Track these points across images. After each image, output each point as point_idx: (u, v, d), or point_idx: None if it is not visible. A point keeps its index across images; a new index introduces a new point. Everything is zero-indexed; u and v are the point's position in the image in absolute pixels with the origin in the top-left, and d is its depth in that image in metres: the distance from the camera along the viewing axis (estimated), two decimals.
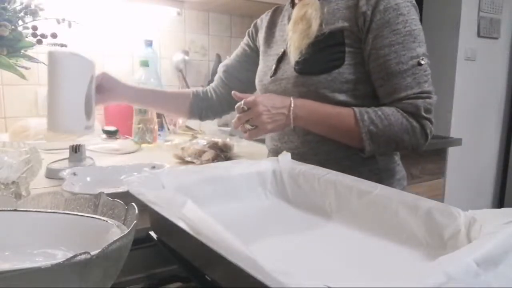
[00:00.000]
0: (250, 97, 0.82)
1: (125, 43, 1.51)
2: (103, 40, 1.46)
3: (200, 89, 1.16)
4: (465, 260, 0.33)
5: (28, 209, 0.48)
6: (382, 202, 0.57)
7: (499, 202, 2.72)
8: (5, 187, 0.62)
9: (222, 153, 1.05)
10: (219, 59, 1.66)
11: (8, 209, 0.47)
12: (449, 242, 0.49)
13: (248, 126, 0.83)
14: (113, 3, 1.46)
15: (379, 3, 0.80)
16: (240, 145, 1.18)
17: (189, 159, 1.02)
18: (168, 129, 1.45)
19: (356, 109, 0.81)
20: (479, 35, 2.43)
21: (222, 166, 0.75)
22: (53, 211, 0.48)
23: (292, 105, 0.82)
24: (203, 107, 1.12)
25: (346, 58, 0.83)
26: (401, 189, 0.79)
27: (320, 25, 0.84)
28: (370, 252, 0.53)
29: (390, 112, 0.79)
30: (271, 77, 0.95)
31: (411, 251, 0.51)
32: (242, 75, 1.12)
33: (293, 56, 0.87)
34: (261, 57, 1.05)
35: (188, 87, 1.58)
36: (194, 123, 1.53)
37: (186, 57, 1.61)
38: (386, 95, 0.82)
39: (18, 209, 0.48)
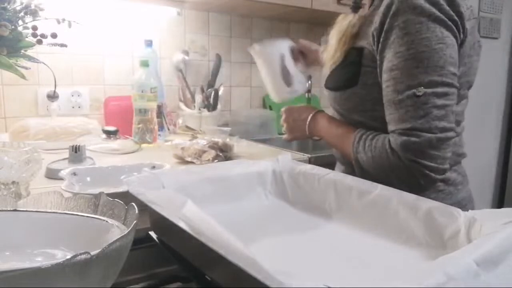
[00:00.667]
0: (289, 106, 0.96)
1: (125, 43, 1.51)
2: (103, 40, 1.46)
3: None
4: (465, 260, 0.33)
5: (28, 209, 0.48)
6: (382, 202, 0.57)
7: (499, 202, 2.72)
8: (5, 187, 0.62)
9: (222, 153, 1.05)
10: (219, 59, 1.66)
11: (8, 209, 0.47)
12: (449, 242, 0.49)
13: (283, 131, 0.98)
14: (113, 3, 1.46)
15: (386, 21, 0.69)
16: (240, 145, 1.18)
17: (189, 159, 1.02)
18: (168, 129, 1.45)
19: (357, 133, 0.77)
20: (479, 35, 2.43)
21: (222, 166, 0.75)
22: (53, 211, 0.48)
23: (310, 117, 0.88)
24: None
25: (362, 77, 0.76)
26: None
27: (343, 44, 0.80)
28: (370, 252, 0.53)
29: (380, 144, 0.71)
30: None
31: (411, 251, 0.51)
32: None
33: (326, 68, 0.86)
34: None
35: (188, 87, 1.58)
36: (194, 123, 1.53)
37: (186, 57, 1.61)
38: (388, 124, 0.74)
39: (18, 209, 0.48)
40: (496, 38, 2.53)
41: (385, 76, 0.71)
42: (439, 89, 0.66)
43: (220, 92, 1.62)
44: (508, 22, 2.59)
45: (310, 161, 1.18)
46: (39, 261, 0.44)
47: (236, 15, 1.75)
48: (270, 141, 1.57)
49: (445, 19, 0.67)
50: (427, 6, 0.66)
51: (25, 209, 0.48)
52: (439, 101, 0.66)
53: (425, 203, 0.53)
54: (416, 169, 0.67)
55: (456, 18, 0.68)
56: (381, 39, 0.70)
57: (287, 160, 0.76)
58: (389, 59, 0.69)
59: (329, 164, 0.93)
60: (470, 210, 0.49)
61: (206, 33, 1.70)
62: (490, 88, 2.55)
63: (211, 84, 1.64)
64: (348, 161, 0.85)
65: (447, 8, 0.67)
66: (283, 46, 1.10)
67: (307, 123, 0.89)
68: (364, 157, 0.74)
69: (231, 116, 1.75)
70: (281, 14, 1.71)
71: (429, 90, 0.66)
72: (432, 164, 0.67)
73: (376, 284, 0.32)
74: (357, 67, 0.77)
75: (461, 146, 0.83)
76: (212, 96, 1.58)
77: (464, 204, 0.81)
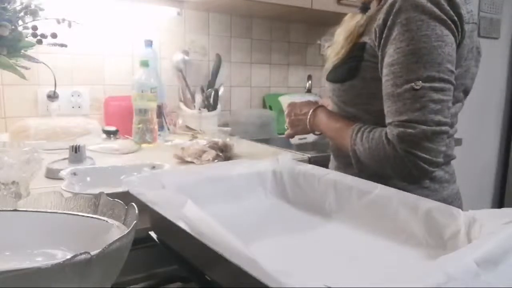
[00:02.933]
0: (293, 102, 0.97)
1: (125, 43, 1.51)
2: (103, 40, 1.46)
3: None
4: (465, 260, 0.34)
5: (28, 209, 0.48)
6: (382, 202, 0.57)
7: (499, 202, 2.72)
8: (5, 187, 0.62)
9: (222, 153, 1.05)
10: (219, 59, 1.66)
11: (8, 209, 0.47)
12: (449, 242, 0.49)
13: (285, 126, 0.99)
14: (113, 3, 1.46)
15: (389, 18, 0.72)
16: (240, 145, 1.18)
17: (189, 159, 1.02)
18: (168, 129, 1.45)
19: (355, 126, 0.79)
20: (479, 35, 2.42)
21: (222, 166, 0.75)
22: (53, 211, 0.48)
23: (311, 112, 0.91)
24: None
25: (361, 71, 0.79)
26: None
27: (347, 46, 0.83)
28: (370, 252, 0.53)
29: (377, 135, 0.74)
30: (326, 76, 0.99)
31: (411, 251, 0.51)
32: None
33: (329, 61, 0.89)
34: None
35: (188, 87, 1.58)
36: (194, 123, 1.53)
37: (186, 57, 1.61)
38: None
39: (18, 209, 0.48)
40: (496, 38, 2.53)
41: (385, 71, 0.73)
42: (436, 84, 0.69)
43: (220, 92, 1.62)
44: (508, 22, 2.59)
45: (310, 161, 1.18)
46: (39, 261, 0.44)
47: (236, 15, 1.75)
48: (270, 141, 1.57)
49: (445, 18, 0.69)
50: (429, 5, 0.69)
51: (25, 209, 0.48)
52: (436, 96, 0.69)
53: (425, 203, 0.53)
54: (410, 160, 0.69)
55: (455, 18, 0.70)
56: (384, 35, 0.73)
57: (287, 160, 0.76)
58: (390, 54, 0.72)
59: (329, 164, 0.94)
60: (470, 210, 0.49)
61: (206, 33, 1.70)
62: (490, 88, 2.55)
63: (211, 84, 1.63)
64: (340, 156, 0.89)
65: (448, 8, 0.69)
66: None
67: (308, 117, 0.91)
68: (361, 148, 0.76)
69: (231, 116, 1.75)
70: (281, 14, 1.71)
71: (426, 85, 0.68)
72: (426, 156, 0.69)
73: (376, 284, 0.32)
74: (359, 61, 0.79)
75: (451, 148, 0.85)
76: (212, 96, 1.58)
77: (450, 202, 0.83)
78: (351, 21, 0.85)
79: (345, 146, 0.81)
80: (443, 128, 0.69)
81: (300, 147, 1.61)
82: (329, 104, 1.18)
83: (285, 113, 0.98)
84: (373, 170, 0.76)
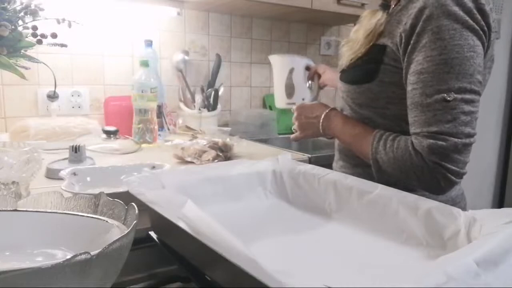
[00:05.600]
0: (300, 104, 0.94)
1: (125, 43, 1.51)
2: (103, 40, 1.46)
3: None
4: (465, 260, 0.33)
5: (28, 209, 0.48)
6: (382, 202, 0.57)
7: (499, 202, 2.72)
8: (5, 187, 0.62)
9: (222, 153, 1.05)
10: (219, 59, 1.66)
11: (8, 209, 0.47)
12: (449, 242, 0.49)
13: (293, 129, 0.95)
14: (113, 3, 1.46)
15: (418, 24, 0.69)
16: (240, 145, 1.18)
17: (189, 159, 1.02)
18: (168, 129, 1.45)
19: (377, 133, 0.76)
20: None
21: (222, 166, 0.75)
22: (53, 211, 0.48)
23: (324, 115, 0.87)
24: None
25: (380, 75, 0.77)
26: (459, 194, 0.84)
27: (366, 45, 0.80)
28: (370, 252, 0.53)
29: (402, 146, 0.72)
30: (339, 71, 0.95)
31: (411, 251, 0.51)
32: None
33: (344, 61, 0.86)
34: None
35: (188, 87, 1.58)
36: (194, 123, 1.53)
37: (186, 57, 1.61)
38: (409, 126, 0.74)
39: (18, 209, 0.48)
40: (496, 38, 2.53)
41: (412, 79, 0.71)
42: (467, 96, 0.67)
43: (220, 92, 1.62)
44: (508, 22, 2.59)
45: (310, 161, 1.18)
46: (39, 261, 0.44)
47: (236, 15, 1.75)
48: (270, 141, 1.57)
49: (477, 28, 0.68)
50: (461, 14, 0.67)
51: (25, 209, 0.48)
52: (467, 107, 0.67)
53: (425, 203, 0.53)
54: (439, 171, 0.68)
55: (486, 28, 0.69)
56: (412, 41, 0.71)
57: (287, 160, 0.76)
58: (419, 62, 0.70)
59: (329, 164, 0.93)
60: (470, 210, 0.49)
61: (206, 33, 1.70)
62: (490, 88, 2.54)
63: (211, 84, 1.63)
64: (350, 155, 0.87)
65: (479, 18, 0.68)
66: (297, 62, 1.24)
67: (321, 120, 0.87)
68: (385, 157, 0.73)
69: (231, 116, 1.75)
70: (281, 14, 1.71)
71: (458, 96, 0.67)
72: (454, 168, 0.68)
73: (376, 284, 0.32)
74: (377, 64, 0.77)
75: None
76: (212, 96, 1.58)
77: (458, 201, 0.84)
78: (372, 18, 0.82)
79: (363, 153, 0.79)
80: (472, 140, 0.69)
81: (301, 148, 1.62)
82: (326, 71, 1.23)
83: (294, 115, 0.94)
84: (394, 180, 0.74)
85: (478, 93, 0.69)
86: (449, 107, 0.67)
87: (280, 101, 1.26)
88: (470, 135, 0.69)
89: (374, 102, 0.80)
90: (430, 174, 0.69)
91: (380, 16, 0.81)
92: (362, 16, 0.86)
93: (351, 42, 0.84)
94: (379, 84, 0.78)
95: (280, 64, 1.26)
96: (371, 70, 0.78)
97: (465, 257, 0.34)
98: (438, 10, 0.68)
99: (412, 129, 0.72)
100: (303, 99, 1.23)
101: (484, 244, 0.37)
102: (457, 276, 0.31)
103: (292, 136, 0.96)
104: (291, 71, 1.23)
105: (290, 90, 1.24)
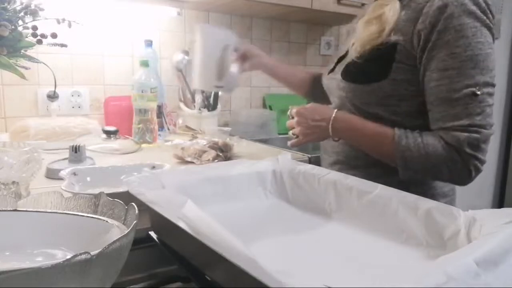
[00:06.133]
0: (297, 107, 0.87)
1: (125, 43, 1.51)
2: (103, 40, 1.46)
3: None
4: (465, 260, 0.33)
5: (28, 209, 0.48)
6: (382, 202, 0.57)
7: (499, 202, 2.72)
8: (5, 187, 0.62)
9: (222, 153, 1.05)
10: None
11: (8, 209, 0.47)
12: (449, 242, 0.49)
13: (291, 135, 0.89)
14: (113, 3, 1.46)
15: (439, 22, 0.72)
16: (240, 145, 1.18)
17: (189, 159, 1.02)
18: (168, 129, 1.45)
19: (398, 131, 0.77)
20: None
21: (222, 166, 0.75)
22: (53, 211, 0.48)
23: (333, 117, 0.82)
24: (319, 92, 1.08)
25: (392, 73, 0.78)
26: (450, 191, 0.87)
27: (390, 31, 0.78)
28: (370, 252, 0.53)
29: (431, 141, 0.74)
30: (328, 73, 0.95)
31: (411, 251, 0.51)
32: None
33: (354, 54, 0.83)
34: None
35: (188, 87, 1.58)
36: (194, 123, 1.53)
37: (186, 57, 1.60)
38: (433, 121, 0.76)
39: (18, 209, 0.48)
40: (496, 38, 2.53)
41: (435, 75, 0.73)
42: (490, 89, 0.72)
43: (220, 92, 1.62)
44: (508, 22, 2.59)
45: (310, 161, 1.17)
46: (39, 261, 0.44)
47: (236, 15, 1.75)
48: (270, 141, 1.57)
49: (491, 26, 0.73)
50: (479, 13, 0.72)
51: (25, 209, 0.48)
52: (491, 100, 0.73)
53: (425, 203, 0.53)
54: (472, 163, 0.73)
55: (493, 26, 0.74)
56: (432, 39, 0.73)
57: (287, 160, 0.76)
58: (442, 59, 0.72)
59: None
60: (470, 210, 0.49)
61: None
62: None
63: None
64: (351, 157, 0.87)
65: (491, 17, 0.73)
66: (231, 38, 1.06)
67: (330, 123, 0.83)
68: (415, 154, 0.75)
69: (231, 116, 1.74)
70: (281, 14, 1.71)
71: (485, 90, 0.71)
72: (483, 158, 0.73)
73: (376, 284, 0.32)
74: (389, 62, 0.78)
75: None
76: (212, 96, 1.58)
77: (451, 195, 0.88)
78: (389, 12, 0.79)
79: (383, 153, 0.78)
80: (493, 130, 0.74)
81: (301, 148, 1.61)
82: (259, 54, 1.13)
83: (295, 121, 0.87)
84: (419, 177, 0.77)
85: (494, 86, 0.74)
86: (478, 101, 0.71)
87: (208, 82, 1.06)
88: (492, 126, 0.74)
89: (385, 100, 0.80)
90: (465, 166, 0.73)
91: (396, 8, 0.79)
92: (372, 6, 0.84)
93: (362, 36, 0.82)
94: (391, 83, 0.78)
95: (213, 37, 1.05)
96: (382, 68, 0.78)
97: (465, 257, 0.34)
98: (459, 9, 0.71)
99: (439, 124, 0.74)
100: (230, 85, 1.07)
101: (484, 244, 0.37)
102: (457, 276, 0.31)
103: (291, 142, 0.89)
104: (226, 48, 1.04)
105: (221, 70, 1.04)
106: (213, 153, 1.03)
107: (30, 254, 0.44)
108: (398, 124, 0.78)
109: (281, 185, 0.73)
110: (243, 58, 1.09)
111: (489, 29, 0.73)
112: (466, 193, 0.91)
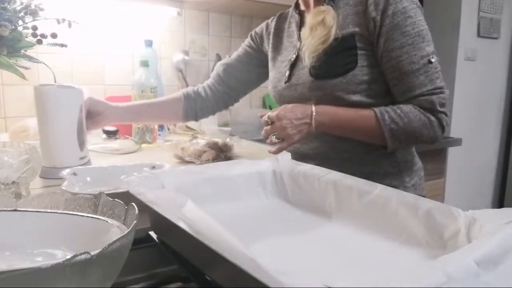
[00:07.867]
0: (274, 112, 0.88)
1: (125, 43, 1.51)
2: (103, 40, 1.46)
3: (190, 89, 1.17)
4: (465, 260, 0.33)
5: (28, 209, 0.48)
6: (382, 202, 0.57)
7: (499, 202, 2.72)
8: (5, 187, 0.62)
9: (222, 153, 1.05)
10: (219, 59, 1.66)
11: (8, 209, 0.47)
12: (449, 242, 0.49)
13: (274, 140, 0.88)
14: (113, 3, 1.46)
15: (387, 8, 0.84)
16: (240, 145, 1.18)
17: (189, 159, 1.02)
18: (168, 129, 1.45)
19: (377, 109, 0.85)
20: (479, 35, 2.43)
21: (222, 166, 0.74)
22: (53, 211, 0.48)
23: (314, 113, 0.86)
24: (197, 108, 1.15)
25: (359, 60, 0.87)
26: (419, 180, 0.98)
27: (335, 30, 0.88)
28: (370, 252, 0.53)
29: (408, 110, 0.84)
30: (285, 83, 0.98)
31: (411, 251, 0.51)
32: (243, 75, 1.14)
33: (308, 61, 0.90)
34: (270, 64, 1.08)
35: (188, 87, 1.58)
36: (194, 123, 1.53)
37: (186, 57, 1.61)
38: (401, 94, 0.86)
39: (18, 209, 0.48)
40: (496, 38, 2.53)
41: (394, 54, 0.84)
42: (436, 57, 0.85)
43: None
44: (508, 22, 2.59)
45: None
46: (39, 261, 0.44)
47: (236, 15, 1.75)
48: None
49: (420, 6, 0.87)
50: None
51: (25, 209, 0.48)
52: (439, 66, 0.85)
53: (425, 203, 0.53)
54: (444, 118, 0.85)
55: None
56: (385, 23, 0.84)
57: (287, 160, 0.76)
58: (396, 39, 0.84)
59: None
60: (470, 210, 0.49)
61: (206, 33, 1.70)
62: (490, 88, 2.55)
63: None
64: (354, 158, 0.92)
65: None
66: (80, 96, 0.88)
67: (313, 118, 0.85)
68: (400, 123, 0.83)
69: (231, 116, 1.75)
70: None
71: (434, 58, 0.84)
72: (448, 113, 0.86)
73: (376, 284, 0.32)
74: (354, 51, 0.87)
75: None
76: None
77: (420, 184, 0.98)
78: (327, 15, 0.89)
79: (369, 132, 0.85)
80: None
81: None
82: (105, 108, 1.00)
83: (277, 126, 0.86)
84: (404, 145, 0.88)
85: None
86: (433, 67, 0.84)
87: (71, 157, 0.85)
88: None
89: (359, 86, 0.87)
90: (440, 125, 0.85)
91: (331, 10, 0.89)
92: (313, 16, 0.91)
93: (314, 40, 0.89)
94: (361, 69, 0.87)
95: (67, 99, 0.85)
96: (351, 58, 0.87)
97: (465, 257, 0.34)
98: None
99: (407, 95, 0.85)
100: (88, 153, 0.89)
101: (484, 244, 0.37)
102: (457, 276, 0.31)
103: (274, 149, 0.87)
104: (81, 108, 0.87)
105: (81, 138, 0.87)
106: (213, 153, 1.03)
107: (30, 254, 0.44)
108: (374, 105, 0.87)
109: (281, 185, 0.73)
110: (89, 116, 0.98)
111: (420, 9, 0.86)
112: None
